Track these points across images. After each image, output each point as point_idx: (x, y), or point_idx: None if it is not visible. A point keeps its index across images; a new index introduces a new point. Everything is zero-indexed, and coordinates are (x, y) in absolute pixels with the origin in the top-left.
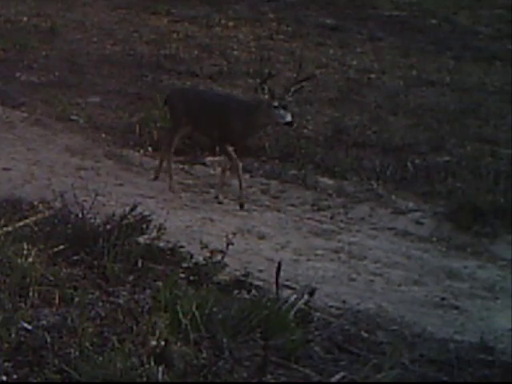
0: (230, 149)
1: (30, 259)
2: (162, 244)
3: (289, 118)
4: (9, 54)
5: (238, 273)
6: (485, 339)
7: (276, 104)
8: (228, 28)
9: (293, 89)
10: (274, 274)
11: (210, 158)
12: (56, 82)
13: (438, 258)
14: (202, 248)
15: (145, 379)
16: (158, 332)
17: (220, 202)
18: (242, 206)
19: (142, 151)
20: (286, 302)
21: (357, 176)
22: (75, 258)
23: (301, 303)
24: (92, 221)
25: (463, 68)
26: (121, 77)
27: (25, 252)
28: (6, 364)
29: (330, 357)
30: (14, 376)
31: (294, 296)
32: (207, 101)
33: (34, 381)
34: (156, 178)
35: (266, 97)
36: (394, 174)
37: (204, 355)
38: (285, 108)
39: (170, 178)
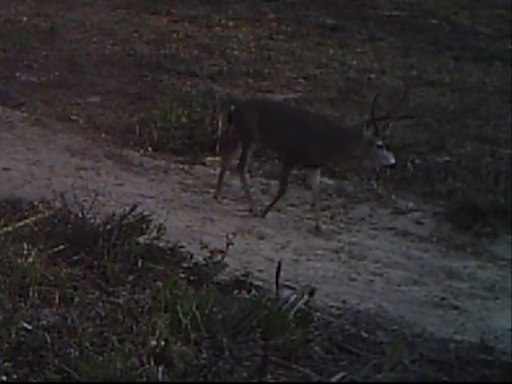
0: (289, 176)
1: (30, 259)
2: (162, 244)
3: (392, 161)
4: (9, 54)
5: (237, 273)
6: (485, 339)
7: (380, 143)
8: (228, 28)
9: (391, 125)
10: (274, 274)
11: (210, 158)
12: (56, 82)
13: (438, 258)
14: (201, 248)
15: (145, 379)
16: (158, 332)
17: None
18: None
19: (141, 151)
20: (286, 302)
21: (357, 176)
22: (75, 258)
23: (301, 303)
24: (92, 221)
25: (463, 68)
26: (121, 77)
27: (25, 252)
28: (6, 364)
29: (330, 357)
30: (14, 376)
31: (294, 296)
32: (288, 116)
33: (34, 381)
34: (216, 197)
35: (369, 132)
36: (394, 174)
37: (204, 355)
38: (388, 148)
39: (249, 199)
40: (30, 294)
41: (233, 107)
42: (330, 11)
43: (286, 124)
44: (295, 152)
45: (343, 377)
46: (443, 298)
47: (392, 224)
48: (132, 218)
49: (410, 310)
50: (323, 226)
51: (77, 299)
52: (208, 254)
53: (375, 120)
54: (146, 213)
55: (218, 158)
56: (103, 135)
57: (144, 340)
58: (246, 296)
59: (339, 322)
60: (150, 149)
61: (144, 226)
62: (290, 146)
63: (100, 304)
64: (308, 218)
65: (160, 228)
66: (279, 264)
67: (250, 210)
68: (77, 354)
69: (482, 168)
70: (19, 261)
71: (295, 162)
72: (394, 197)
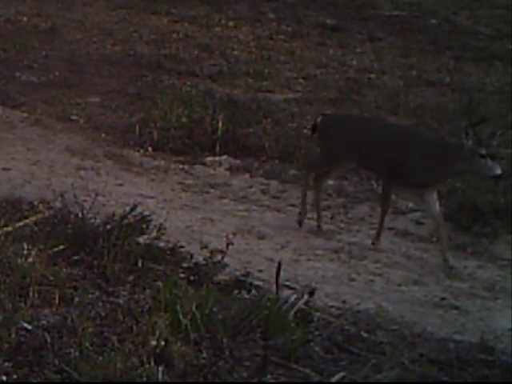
0: (391, 194)
1: (30, 259)
2: (162, 244)
3: (498, 171)
4: (9, 54)
5: (237, 273)
6: (485, 339)
7: (483, 152)
8: (228, 28)
9: (499, 133)
10: (274, 274)
11: (210, 158)
12: (56, 82)
13: (438, 257)
14: (201, 248)
15: (145, 379)
16: (157, 332)
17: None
18: (445, 261)
19: (142, 151)
20: (286, 302)
21: (357, 176)
22: (75, 258)
23: (301, 303)
24: (92, 221)
25: (463, 68)
26: (121, 77)
27: (25, 252)
28: (6, 364)
29: (330, 357)
30: (14, 376)
31: (294, 296)
32: (382, 132)
33: (34, 381)
34: (301, 223)
35: (470, 141)
36: None
37: (204, 355)
38: (493, 158)
39: (318, 216)
40: (30, 294)
41: (319, 119)
42: (330, 11)
43: (383, 141)
44: (396, 171)
45: (343, 377)
46: (443, 298)
47: (392, 224)
48: (132, 217)
49: (410, 309)
50: (323, 226)
51: (77, 299)
52: (208, 254)
53: (474, 126)
54: (146, 213)
55: (217, 158)
56: (103, 135)
57: (144, 340)
58: (246, 296)
59: (339, 322)
60: (150, 149)
61: (144, 225)
62: (391, 165)
63: (100, 304)
64: (308, 218)
65: (160, 228)
66: (279, 264)
67: (299, 213)
68: (77, 354)
69: None
70: (19, 261)
71: (396, 181)
72: (393, 197)
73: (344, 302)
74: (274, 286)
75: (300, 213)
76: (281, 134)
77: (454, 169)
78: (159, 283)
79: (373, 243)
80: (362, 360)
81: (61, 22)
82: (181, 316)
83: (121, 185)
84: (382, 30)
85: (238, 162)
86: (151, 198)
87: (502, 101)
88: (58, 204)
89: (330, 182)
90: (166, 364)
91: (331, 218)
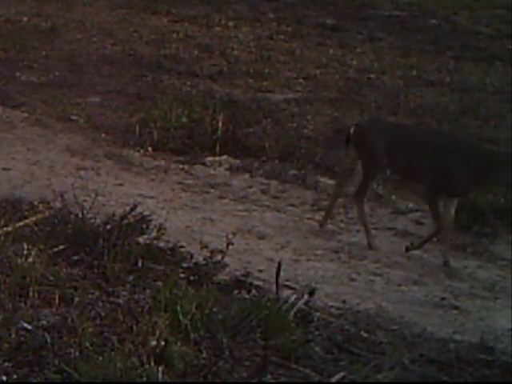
0: (441, 206)
1: (30, 259)
2: (162, 244)
3: None
4: (9, 54)
5: (238, 273)
6: (485, 339)
7: None
8: (228, 28)
9: None
10: (274, 274)
11: (210, 158)
12: (56, 82)
13: (438, 257)
14: (201, 248)
15: (145, 379)
16: (158, 332)
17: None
18: (445, 264)
19: (142, 151)
20: (286, 302)
21: None
22: (75, 257)
23: (301, 303)
24: (92, 221)
25: (463, 68)
26: (121, 77)
27: (25, 252)
28: (6, 364)
29: (330, 357)
30: (14, 376)
31: (294, 296)
32: (423, 140)
33: (34, 381)
34: (322, 226)
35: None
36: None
37: (204, 355)
38: None
39: (367, 232)
40: (30, 294)
41: (352, 128)
42: (330, 11)
43: (425, 150)
44: (440, 182)
45: (343, 377)
46: (443, 298)
47: (392, 224)
48: (132, 217)
49: (410, 310)
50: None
51: (77, 299)
52: (208, 254)
53: None
54: (146, 213)
55: (217, 158)
56: (103, 135)
57: (144, 340)
58: (246, 296)
59: (339, 321)
60: (150, 149)
61: (144, 225)
62: (434, 176)
63: (100, 304)
64: (308, 218)
65: (160, 228)
66: (279, 264)
67: (369, 245)
68: (77, 354)
69: None
70: (19, 261)
71: (441, 192)
72: (393, 197)
73: (344, 302)
74: (274, 286)
75: (324, 218)
76: (281, 134)
77: (501, 181)
78: (159, 283)
79: (407, 250)
80: (362, 360)
81: (61, 22)
82: (181, 316)
83: (121, 185)
84: (382, 29)
85: (238, 162)
86: (151, 198)
87: (502, 101)
88: (57, 204)
89: (330, 182)
90: (166, 364)
91: (331, 218)
